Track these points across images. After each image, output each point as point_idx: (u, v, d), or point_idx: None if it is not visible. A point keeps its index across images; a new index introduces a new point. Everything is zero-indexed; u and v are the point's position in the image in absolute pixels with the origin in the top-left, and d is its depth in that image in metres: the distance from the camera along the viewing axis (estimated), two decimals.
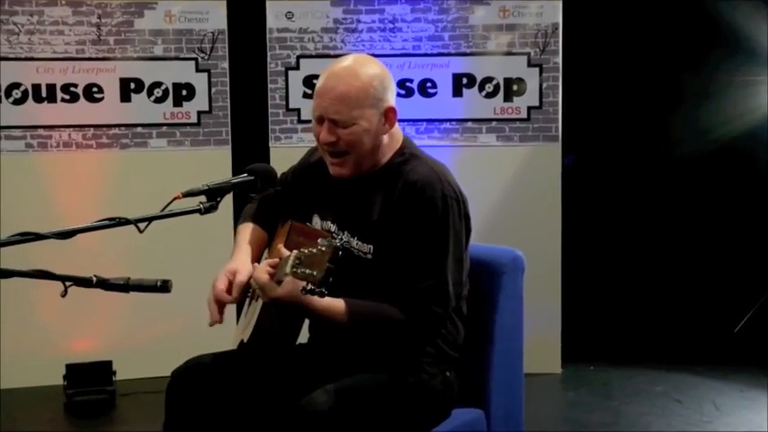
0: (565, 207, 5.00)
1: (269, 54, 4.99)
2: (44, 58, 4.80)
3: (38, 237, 2.08)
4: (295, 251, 2.20)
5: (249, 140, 5.11)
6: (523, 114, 4.95)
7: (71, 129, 4.87)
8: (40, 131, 4.85)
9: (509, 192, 4.98)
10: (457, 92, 4.96)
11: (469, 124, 4.99)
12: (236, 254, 2.73)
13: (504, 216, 4.91)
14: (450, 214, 2.47)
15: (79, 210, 4.86)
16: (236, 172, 4.90)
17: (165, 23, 4.89)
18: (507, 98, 4.95)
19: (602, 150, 5.35)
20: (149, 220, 2.24)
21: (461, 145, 4.95)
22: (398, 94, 4.91)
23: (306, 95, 5.00)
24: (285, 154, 4.98)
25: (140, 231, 2.23)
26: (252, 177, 2.48)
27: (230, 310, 2.92)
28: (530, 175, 4.96)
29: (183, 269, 4.21)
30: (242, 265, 2.64)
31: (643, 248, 5.47)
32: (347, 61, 2.55)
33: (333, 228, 2.64)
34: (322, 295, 2.09)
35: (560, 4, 4.88)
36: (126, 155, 4.93)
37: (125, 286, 2.27)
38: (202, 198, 2.43)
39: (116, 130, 4.92)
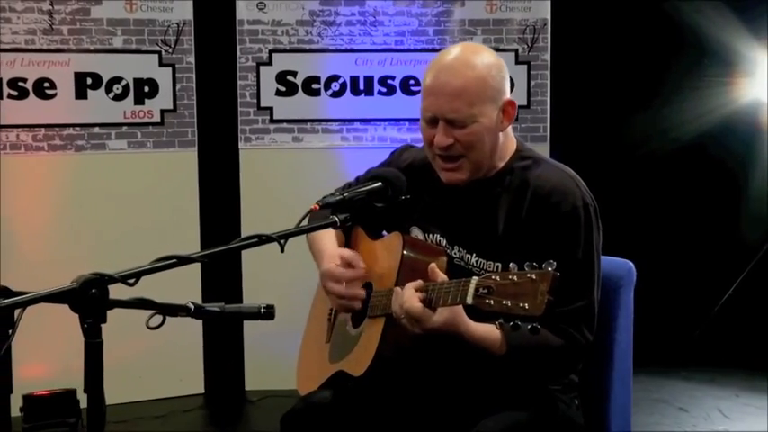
0: None
1: (239, 48, 4.61)
2: None
3: (182, 260, 1.70)
4: (475, 278, 1.88)
5: (217, 142, 4.72)
6: None
7: (19, 129, 4.34)
8: None
9: None
10: None
11: None
12: (323, 251, 2.44)
13: None
14: (593, 226, 2.21)
15: (29, 220, 4.36)
16: (202, 175, 4.60)
17: (126, 12, 4.42)
18: None
19: (580, 148, 5.20)
20: (288, 236, 1.86)
21: None
22: (379, 92, 4.69)
23: (279, 93, 4.63)
24: (256, 156, 4.66)
25: (282, 250, 1.85)
26: (382, 185, 2.13)
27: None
28: None
29: (146, 285, 3.80)
30: (338, 250, 2.42)
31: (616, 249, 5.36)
32: (457, 51, 2.24)
33: (443, 242, 2.32)
34: (536, 331, 1.79)
35: (549, 0, 4.70)
36: (82, 158, 4.43)
37: (221, 314, 1.91)
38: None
39: (70, 131, 4.41)
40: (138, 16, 4.43)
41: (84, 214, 4.42)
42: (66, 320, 3.97)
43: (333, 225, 2.00)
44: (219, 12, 4.61)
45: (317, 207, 1.99)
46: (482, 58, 2.19)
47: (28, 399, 4.08)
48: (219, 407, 4.63)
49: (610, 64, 5.25)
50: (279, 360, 4.49)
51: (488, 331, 2.08)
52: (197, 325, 4.63)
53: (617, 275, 2.53)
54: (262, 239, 1.83)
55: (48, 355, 4.37)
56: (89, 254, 4.36)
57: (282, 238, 1.86)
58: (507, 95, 2.22)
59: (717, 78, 5.36)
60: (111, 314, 1.65)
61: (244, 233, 4.60)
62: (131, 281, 1.63)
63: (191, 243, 4.51)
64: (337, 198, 2.03)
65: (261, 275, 4.52)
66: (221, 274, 4.60)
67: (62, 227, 4.40)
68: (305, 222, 2.00)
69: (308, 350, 2.62)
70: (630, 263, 2.59)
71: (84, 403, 4.10)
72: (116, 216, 4.46)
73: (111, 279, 1.58)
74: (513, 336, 2.07)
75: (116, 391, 4.41)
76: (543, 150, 4.73)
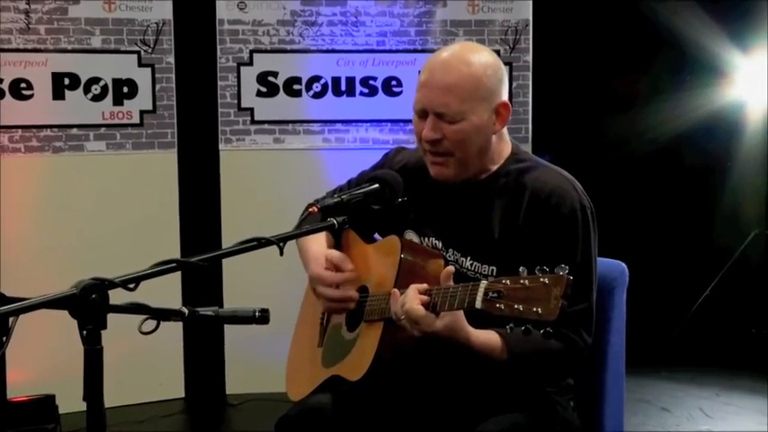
0: None
1: (219, 48, 4.56)
2: None
3: (181, 264, 1.66)
4: (484, 282, 1.86)
5: (197, 143, 4.64)
6: None
7: None
8: None
9: None
10: None
11: None
12: (311, 253, 2.41)
13: None
14: (591, 229, 2.20)
15: (5, 223, 4.27)
16: (182, 177, 4.54)
17: (104, 12, 4.36)
18: None
19: (563, 149, 5.20)
20: (287, 238, 1.83)
21: None
22: (360, 93, 4.66)
23: (260, 93, 4.59)
24: (237, 157, 4.61)
25: (281, 253, 1.81)
26: (379, 186, 2.10)
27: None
28: None
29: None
30: (325, 251, 2.39)
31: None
32: (455, 47, 2.24)
33: (438, 245, 2.30)
34: (548, 336, 1.76)
35: (531, 1, 4.69)
36: (59, 159, 4.36)
37: (215, 318, 1.89)
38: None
39: (48, 132, 4.34)
40: (116, 16, 4.37)
41: (63, 217, 4.35)
42: (44, 325, 3.90)
43: (331, 227, 1.96)
44: (199, 11, 4.55)
45: (316, 209, 1.95)
46: (479, 56, 2.17)
47: (5, 405, 4.01)
48: (200, 411, 4.57)
49: (591, 65, 5.26)
50: (260, 363, 4.45)
51: (488, 338, 2.05)
52: (177, 328, 4.57)
53: (611, 277, 2.52)
54: (261, 242, 1.80)
55: (26, 360, 4.29)
56: (67, 257, 4.29)
57: (281, 240, 1.82)
58: (502, 97, 2.20)
59: (696, 80, 5.40)
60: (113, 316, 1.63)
61: (224, 235, 4.58)
62: (131, 286, 1.59)
63: (171, 245, 4.46)
64: (335, 200, 1.99)
65: (241, 278, 4.47)
66: (201, 276, 4.54)
67: (40, 229, 4.32)
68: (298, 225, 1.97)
69: (299, 355, 2.58)
70: (623, 264, 2.58)
71: (62, 409, 4.05)
72: (95, 218, 4.40)
73: (112, 284, 1.54)
74: (513, 342, 2.05)
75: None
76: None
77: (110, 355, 4.64)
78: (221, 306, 4.50)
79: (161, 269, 1.64)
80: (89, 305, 1.49)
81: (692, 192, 5.61)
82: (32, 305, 1.48)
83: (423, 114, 2.19)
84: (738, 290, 5.50)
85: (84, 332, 1.51)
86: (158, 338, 4.65)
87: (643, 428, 4.19)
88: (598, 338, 2.46)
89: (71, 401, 4.11)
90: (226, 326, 4.57)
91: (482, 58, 2.17)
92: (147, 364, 4.50)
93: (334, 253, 2.35)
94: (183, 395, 4.64)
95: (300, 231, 1.91)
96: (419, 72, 2.26)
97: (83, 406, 4.34)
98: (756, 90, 5.39)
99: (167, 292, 4.23)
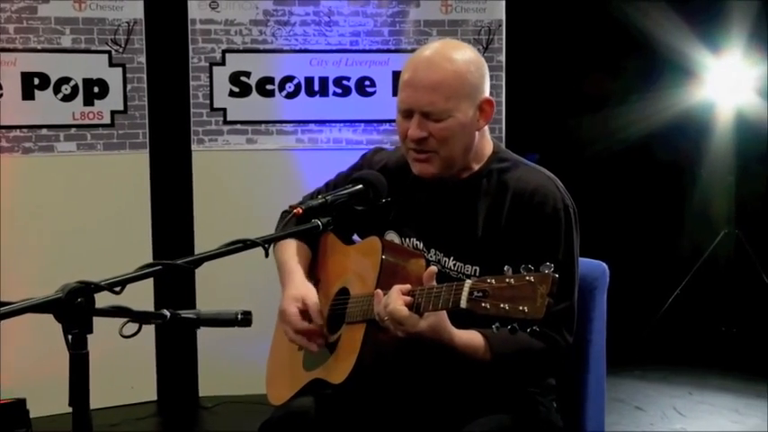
0: None
1: (191, 48, 4.52)
2: None
3: (167, 267, 1.64)
4: (468, 281, 1.85)
5: (169, 143, 4.61)
6: None
7: None
8: None
9: None
10: (397, 91, 4.64)
11: None
12: (290, 278, 2.36)
13: None
14: (573, 228, 2.20)
15: None
16: (154, 178, 4.49)
17: (74, 11, 4.30)
18: None
19: (536, 149, 5.22)
20: (273, 240, 1.82)
21: None
22: (334, 93, 4.64)
23: (232, 94, 4.56)
24: (209, 158, 4.58)
25: (266, 255, 1.80)
26: (363, 187, 2.09)
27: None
28: None
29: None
30: (305, 289, 2.31)
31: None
32: (436, 45, 2.24)
33: (419, 246, 2.29)
34: (534, 334, 1.76)
35: (504, 1, 4.69)
36: (29, 161, 4.30)
37: (196, 321, 1.88)
38: None
39: (17, 133, 4.28)
40: (86, 15, 4.32)
41: (33, 219, 4.29)
42: (14, 329, 3.81)
43: (315, 229, 1.95)
44: (171, 11, 4.51)
45: (301, 211, 1.93)
46: (462, 53, 2.18)
47: None
48: (173, 414, 4.53)
49: (564, 65, 5.28)
50: (233, 365, 4.43)
51: (471, 338, 2.05)
52: (149, 330, 4.49)
53: (592, 277, 2.52)
54: (246, 244, 1.78)
55: None
56: (38, 259, 4.24)
57: (267, 242, 1.81)
58: (485, 94, 2.21)
59: (667, 80, 5.44)
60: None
61: (197, 236, 4.54)
62: (117, 288, 1.56)
63: (142, 246, 4.42)
64: (320, 201, 1.98)
65: (214, 279, 4.43)
66: (175, 277, 4.49)
67: (9, 231, 4.25)
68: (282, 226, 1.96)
69: (279, 359, 2.56)
70: (604, 264, 2.58)
71: (33, 413, 3.99)
72: (65, 220, 4.34)
73: (98, 287, 1.52)
74: (496, 343, 2.05)
75: (66, 400, 4.31)
76: None
77: None
78: (193, 307, 4.49)
79: (147, 272, 1.62)
80: (75, 309, 1.46)
81: (662, 192, 5.64)
82: (17, 309, 1.45)
83: (408, 114, 2.19)
84: (708, 289, 5.54)
85: (70, 336, 1.48)
86: (130, 340, 4.60)
87: (617, 428, 4.21)
88: (579, 339, 2.47)
89: (42, 405, 4.07)
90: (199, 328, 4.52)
91: (465, 55, 2.18)
92: (119, 367, 4.43)
93: (311, 300, 2.28)
94: (155, 398, 4.59)
95: (286, 233, 1.90)
96: (394, 72, 2.26)
97: (54, 410, 4.28)
98: (726, 90, 5.43)
99: (139, 293, 4.22)
